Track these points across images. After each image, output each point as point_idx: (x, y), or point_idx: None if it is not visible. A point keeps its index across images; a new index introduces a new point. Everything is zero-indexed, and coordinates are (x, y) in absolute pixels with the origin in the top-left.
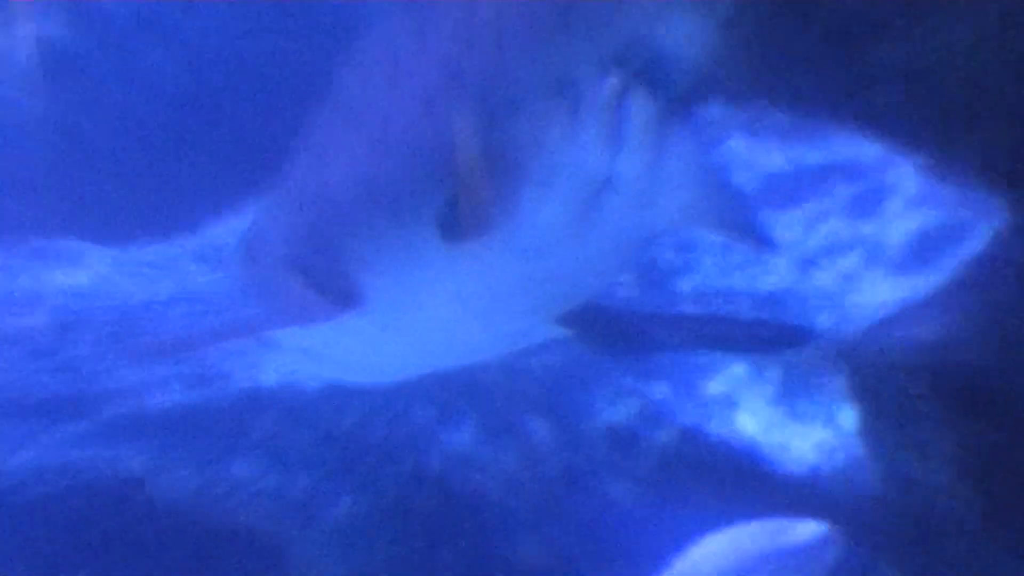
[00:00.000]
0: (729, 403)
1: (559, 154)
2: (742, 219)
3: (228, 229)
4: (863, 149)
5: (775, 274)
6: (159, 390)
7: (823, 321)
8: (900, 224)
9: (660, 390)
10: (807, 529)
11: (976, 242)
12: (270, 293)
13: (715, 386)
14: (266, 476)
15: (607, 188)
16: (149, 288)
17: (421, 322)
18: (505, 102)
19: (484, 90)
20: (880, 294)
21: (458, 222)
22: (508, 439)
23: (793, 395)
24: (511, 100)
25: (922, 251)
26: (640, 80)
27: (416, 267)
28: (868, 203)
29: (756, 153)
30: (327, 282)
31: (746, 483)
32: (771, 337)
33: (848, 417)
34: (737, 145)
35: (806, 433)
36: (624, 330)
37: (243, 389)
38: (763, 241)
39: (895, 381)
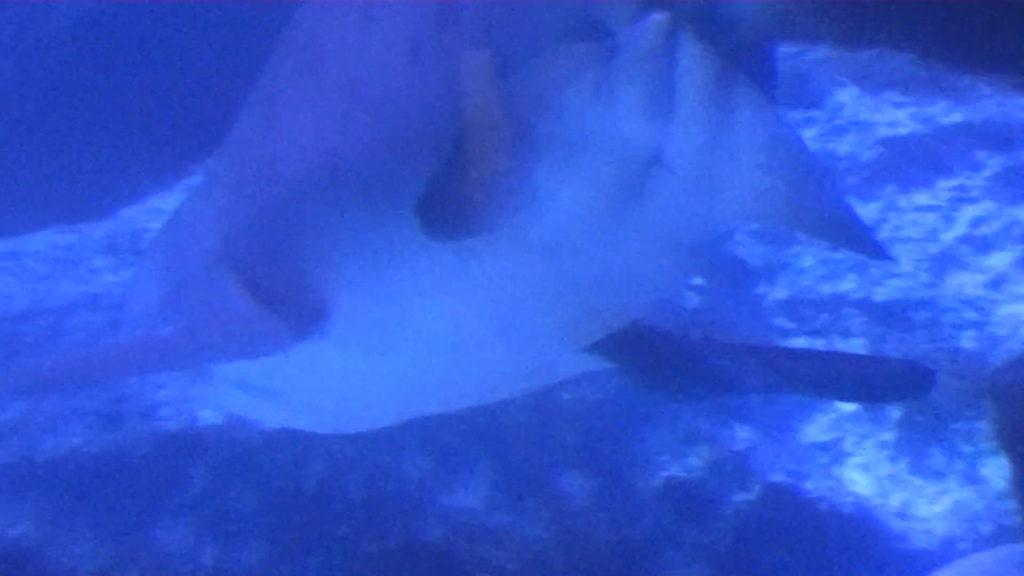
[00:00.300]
0: (834, 453)
1: (586, 119)
2: (835, 215)
3: (148, 213)
4: (1016, 108)
5: (899, 277)
6: (53, 431)
7: (963, 342)
8: None
9: (741, 436)
10: None
11: None
12: (200, 304)
13: (814, 431)
14: (201, 549)
15: (655, 166)
16: (41, 290)
17: (404, 348)
18: (511, 46)
19: (483, 31)
20: None
21: (447, 210)
22: (534, 502)
23: (920, 442)
24: (519, 44)
25: None
26: (692, 21)
27: (393, 272)
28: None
29: (871, 111)
30: (278, 291)
31: (855, 561)
32: (889, 382)
33: (996, 472)
34: (845, 101)
35: (937, 493)
36: (685, 364)
37: (169, 431)
38: (867, 246)
39: None
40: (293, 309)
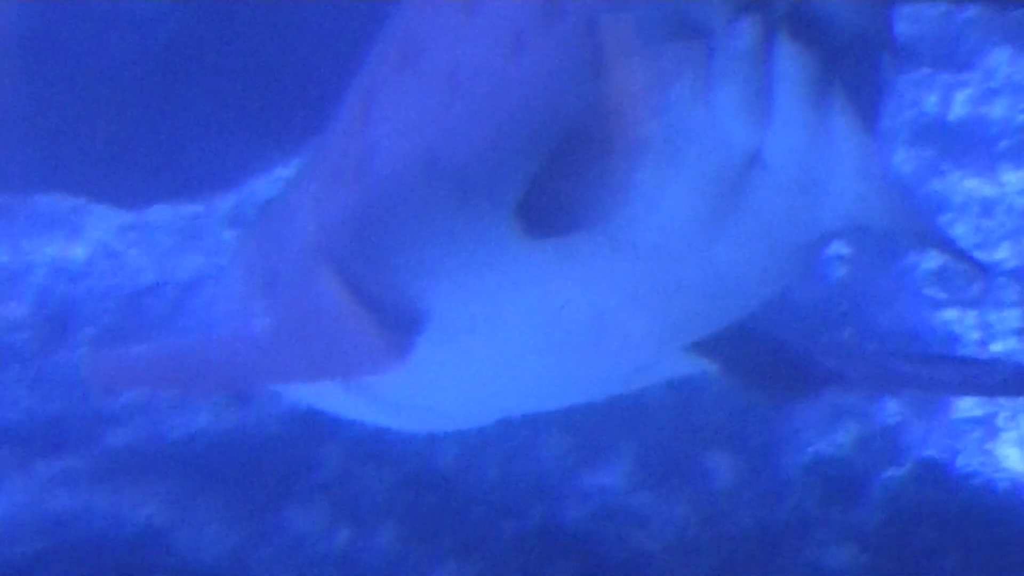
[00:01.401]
0: (987, 428)
1: (684, 118)
2: (922, 227)
3: (274, 183)
4: None
5: None
6: (179, 411)
7: None
8: None
9: (891, 411)
10: None
11: None
12: (294, 306)
13: (967, 405)
14: (332, 532)
15: (754, 167)
16: (167, 262)
17: (500, 349)
18: (612, 45)
19: (586, 29)
20: None
21: (548, 207)
22: (677, 483)
23: None
24: (620, 42)
25: None
26: (788, 22)
27: (492, 272)
28: None
29: None
30: (375, 296)
31: (1011, 538)
32: (997, 384)
33: None
34: (999, 62)
35: None
36: (793, 367)
37: (299, 410)
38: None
39: None
40: (392, 318)
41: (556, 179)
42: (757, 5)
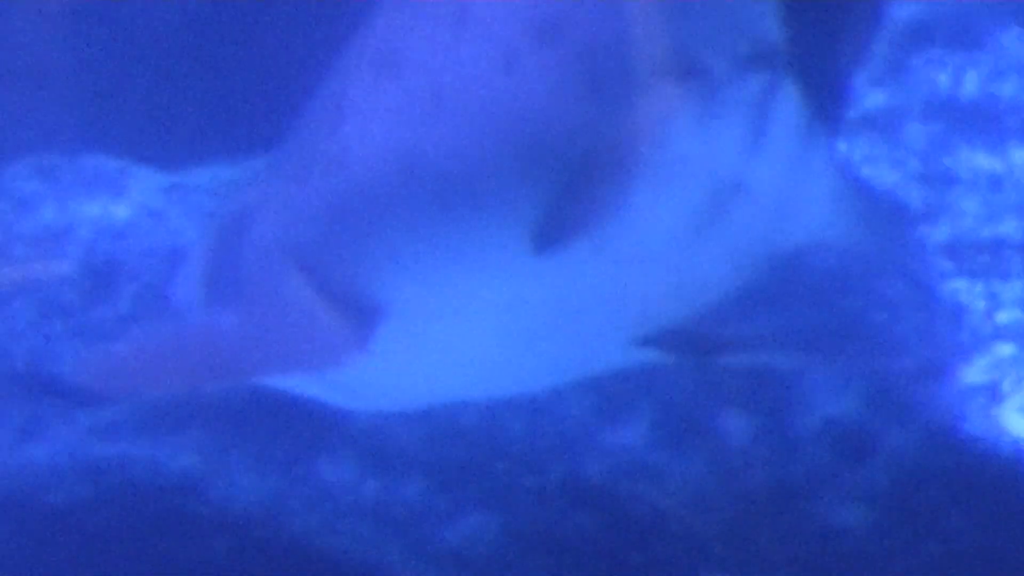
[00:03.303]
0: (992, 395)
1: (683, 148)
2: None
3: None
4: None
5: None
6: None
7: None
8: None
9: (900, 376)
10: None
11: None
12: (261, 301)
13: (973, 372)
14: (362, 484)
15: (738, 193)
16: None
17: (457, 341)
18: (612, 70)
19: (584, 53)
20: None
21: (558, 225)
22: (694, 441)
23: None
24: (620, 69)
25: None
26: (790, 82)
27: (458, 269)
28: None
29: None
30: (341, 287)
31: (1014, 503)
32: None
33: None
34: (1009, 42)
35: None
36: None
37: None
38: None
39: None
40: (353, 310)
41: (567, 200)
42: (764, 59)
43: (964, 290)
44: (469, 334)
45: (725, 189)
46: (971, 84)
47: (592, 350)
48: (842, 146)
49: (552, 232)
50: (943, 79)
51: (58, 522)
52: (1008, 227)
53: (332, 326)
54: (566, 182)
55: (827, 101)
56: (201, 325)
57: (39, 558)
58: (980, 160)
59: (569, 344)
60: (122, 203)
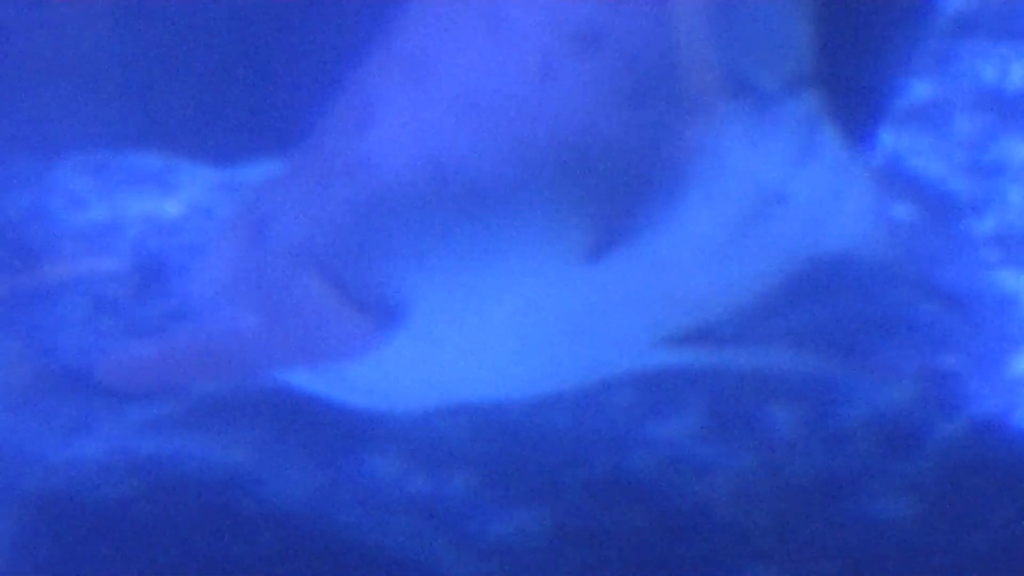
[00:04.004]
0: None
1: (731, 162)
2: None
3: None
4: None
5: None
6: None
7: None
8: None
9: (949, 366)
10: None
11: None
12: (281, 300)
13: (1021, 363)
14: (409, 478)
15: (777, 203)
16: None
17: (473, 344)
18: (661, 81)
19: (625, 63)
20: None
21: (602, 236)
22: (742, 433)
23: None
24: (670, 82)
25: None
26: (834, 96)
27: (507, 282)
28: None
29: None
30: (360, 287)
31: None
32: None
33: None
34: None
35: None
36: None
37: None
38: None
39: None
40: (377, 301)
41: (612, 211)
42: (813, 78)
43: (1011, 281)
44: (491, 335)
45: (766, 200)
46: (1017, 75)
47: (614, 352)
48: (888, 138)
49: (596, 243)
50: (989, 70)
51: (108, 518)
52: None
53: (351, 323)
54: (609, 192)
55: (867, 116)
56: (221, 323)
57: (89, 554)
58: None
59: (592, 347)
60: (172, 200)
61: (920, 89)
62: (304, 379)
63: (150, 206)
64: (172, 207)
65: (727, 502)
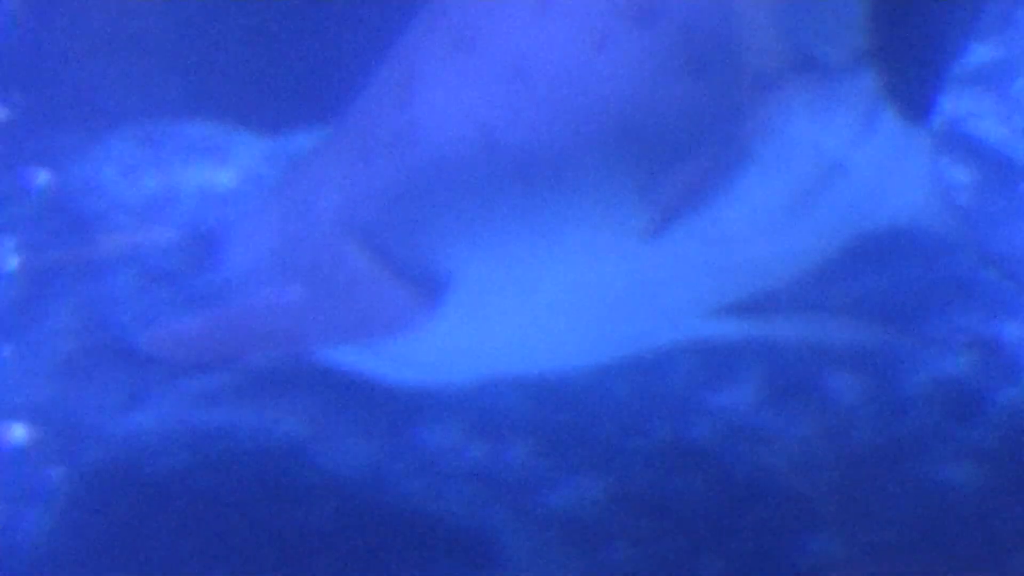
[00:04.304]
0: None
1: (794, 134)
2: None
3: None
4: None
5: None
6: None
7: None
8: None
9: (1012, 332)
10: None
11: None
12: (325, 272)
13: None
14: (466, 447)
15: (838, 176)
16: None
17: (527, 315)
18: (720, 55)
19: (680, 35)
20: None
21: (663, 209)
22: (802, 402)
23: None
24: (730, 56)
25: None
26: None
27: (558, 254)
28: None
29: None
30: (409, 260)
31: None
32: None
33: None
34: None
35: None
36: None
37: None
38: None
39: None
40: (420, 283)
41: (673, 184)
42: (875, 51)
43: None
44: (541, 308)
45: (826, 173)
46: None
47: (664, 324)
48: (949, 101)
49: (654, 219)
50: None
51: (164, 488)
52: None
53: (397, 296)
54: (666, 167)
55: (927, 88)
56: (265, 296)
57: (146, 524)
58: None
59: (645, 319)
60: (225, 169)
61: (981, 52)
62: (352, 357)
63: (203, 176)
64: (225, 177)
65: (788, 470)
